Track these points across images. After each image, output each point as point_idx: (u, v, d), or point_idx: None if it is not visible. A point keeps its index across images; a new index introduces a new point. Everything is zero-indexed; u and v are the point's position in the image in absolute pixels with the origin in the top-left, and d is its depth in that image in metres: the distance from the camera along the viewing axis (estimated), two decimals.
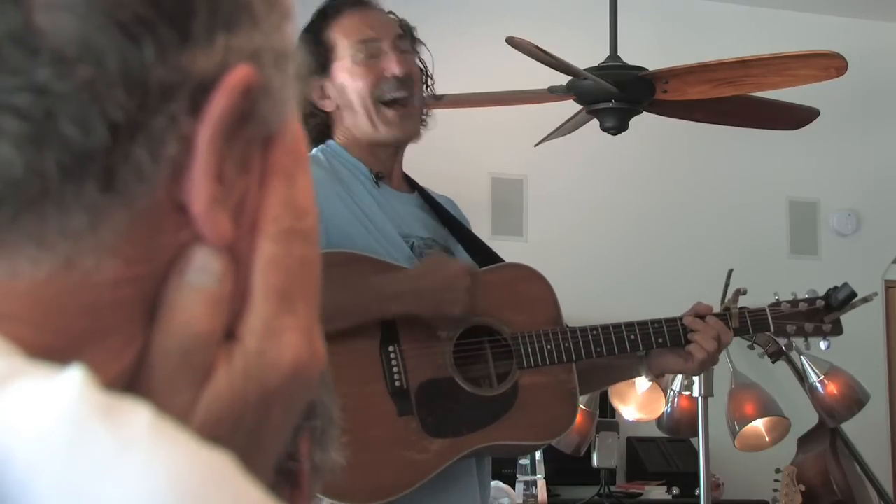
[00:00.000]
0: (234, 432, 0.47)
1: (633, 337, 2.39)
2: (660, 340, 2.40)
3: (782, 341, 2.62)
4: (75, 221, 0.43)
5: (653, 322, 2.41)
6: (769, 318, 2.54)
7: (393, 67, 2.32)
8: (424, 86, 2.42)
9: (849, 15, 6.00)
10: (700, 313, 2.44)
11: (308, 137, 2.25)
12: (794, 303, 2.60)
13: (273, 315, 0.47)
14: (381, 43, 2.34)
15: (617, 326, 2.40)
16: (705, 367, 2.45)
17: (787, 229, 5.97)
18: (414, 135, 2.37)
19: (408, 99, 2.34)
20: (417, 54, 2.42)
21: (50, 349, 0.43)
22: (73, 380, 0.40)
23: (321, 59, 2.33)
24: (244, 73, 0.46)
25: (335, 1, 2.38)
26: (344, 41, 2.34)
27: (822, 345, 2.59)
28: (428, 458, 2.19)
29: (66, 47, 0.42)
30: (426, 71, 2.43)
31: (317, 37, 2.34)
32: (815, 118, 4.08)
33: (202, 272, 0.46)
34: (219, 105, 0.45)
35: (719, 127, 4.32)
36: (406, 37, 2.39)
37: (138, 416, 0.40)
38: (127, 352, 0.45)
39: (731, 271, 2.72)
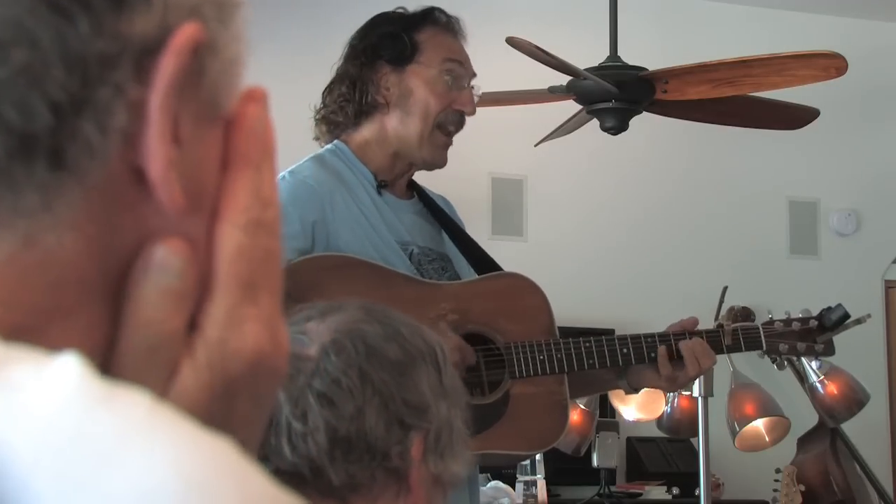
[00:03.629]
0: (204, 425, 0.47)
1: (625, 350, 2.38)
2: (652, 355, 2.39)
3: (773, 358, 2.63)
4: (28, 201, 0.43)
5: (646, 336, 2.40)
6: (762, 337, 2.55)
7: (467, 105, 2.37)
8: None
9: (849, 15, 6.00)
10: (685, 328, 2.43)
11: (339, 110, 2.24)
12: (788, 322, 2.60)
13: (235, 305, 0.47)
14: (464, 76, 2.38)
15: (610, 340, 2.40)
16: (677, 386, 2.45)
17: (787, 229, 5.97)
18: (442, 165, 2.39)
19: (454, 134, 2.39)
20: None
21: (18, 328, 0.43)
22: (70, 368, 0.40)
23: (401, 51, 2.34)
24: (190, 32, 0.45)
25: (440, 15, 2.40)
26: (435, 52, 2.36)
27: (814, 364, 2.60)
28: None
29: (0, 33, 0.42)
30: None
31: (406, 31, 2.36)
32: (815, 118, 4.08)
33: (163, 270, 0.45)
34: (167, 68, 0.45)
35: (719, 127, 4.32)
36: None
37: (137, 404, 0.40)
38: (91, 335, 0.45)
39: (725, 289, 2.72)
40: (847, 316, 2.61)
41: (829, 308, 2.64)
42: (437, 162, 2.37)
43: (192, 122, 0.46)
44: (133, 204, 0.45)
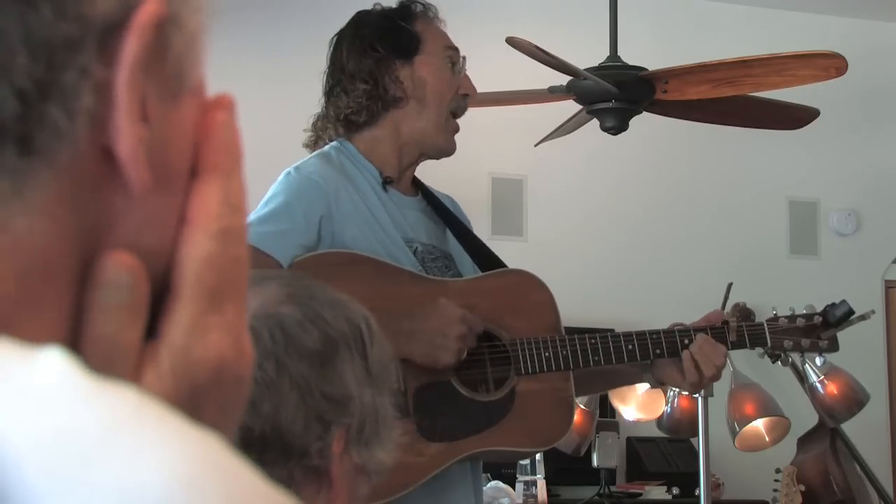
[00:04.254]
0: None
1: (630, 347, 2.39)
2: (657, 351, 2.39)
3: (777, 354, 2.63)
4: None
5: (651, 333, 2.40)
6: (766, 334, 2.55)
7: (470, 88, 2.41)
8: None
9: (849, 15, 6.00)
10: (711, 322, 2.44)
11: (364, 110, 2.22)
12: (792, 318, 2.60)
13: (201, 313, 0.47)
14: (460, 60, 2.41)
15: (615, 336, 2.39)
16: (701, 385, 2.44)
17: (787, 229, 5.97)
18: (453, 152, 2.42)
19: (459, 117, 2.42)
20: None
21: None
22: (57, 361, 0.39)
23: (406, 44, 2.35)
24: (152, 8, 0.45)
25: (417, 5, 2.40)
26: (435, 41, 2.38)
27: (818, 360, 2.60)
28: (423, 461, 2.19)
29: None
30: None
31: (406, 22, 2.37)
32: (815, 118, 4.07)
33: (113, 286, 0.45)
34: (132, 46, 0.44)
35: (719, 127, 4.32)
36: None
37: (125, 399, 0.40)
38: (57, 332, 0.45)
39: (730, 285, 2.72)
40: (852, 312, 2.60)
41: (834, 304, 2.63)
42: (450, 148, 2.40)
43: (159, 98, 0.46)
44: (101, 186, 0.45)
